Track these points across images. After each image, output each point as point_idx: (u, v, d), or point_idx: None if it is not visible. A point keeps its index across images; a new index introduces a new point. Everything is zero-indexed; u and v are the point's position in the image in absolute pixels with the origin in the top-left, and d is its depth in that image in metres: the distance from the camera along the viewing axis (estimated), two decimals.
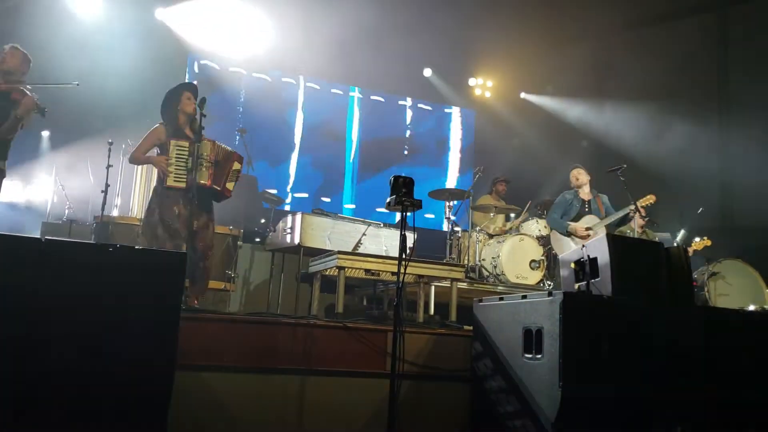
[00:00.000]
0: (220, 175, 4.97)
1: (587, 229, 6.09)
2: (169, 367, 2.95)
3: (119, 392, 2.80)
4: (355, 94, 10.91)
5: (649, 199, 6.16)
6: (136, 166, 6.35)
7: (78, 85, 4.95)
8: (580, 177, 6.45)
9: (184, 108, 4.98)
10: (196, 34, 9.41)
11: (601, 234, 6.01)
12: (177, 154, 4.83)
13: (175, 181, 4.79)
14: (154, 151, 5.04)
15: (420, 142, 11.34)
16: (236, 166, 5.13)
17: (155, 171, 5.09)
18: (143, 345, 2.88)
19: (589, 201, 6.36)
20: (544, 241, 7.11)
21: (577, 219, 6.24)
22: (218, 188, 4.94)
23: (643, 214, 6.13)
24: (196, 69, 9.60)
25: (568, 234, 6.16)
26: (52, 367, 2.69)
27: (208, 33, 9.41)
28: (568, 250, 6.20)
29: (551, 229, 6.60)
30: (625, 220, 6.19)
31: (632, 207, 6.05)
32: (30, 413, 2.64)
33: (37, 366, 2.68)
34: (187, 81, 8.63)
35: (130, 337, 2.86)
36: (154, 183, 5.12)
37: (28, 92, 4.65)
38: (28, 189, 7.94)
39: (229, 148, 5.15)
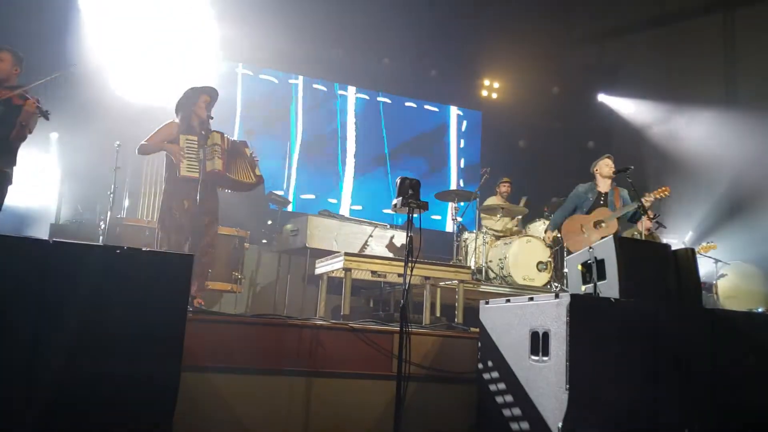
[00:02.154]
0: (233, 164, 5.06)
1: (596, 223, 5.74)
2: (175, 368, 2.95)
3: (125, 393, 2.80)
4: (358, 95, 10.87)
5: (664, 190, 5.78)
6: (144, 168, 6.38)
7: (75, 66, 4.66)
8: (611, 167, 5.99)
9: (198, 111, 5.05)
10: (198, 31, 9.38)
11: (611, 227, 5.72)
12: (187, 146, 4.91)
13: (187, 171, 4.85)
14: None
15: (426, 144, 11.31)
16: (248, 151, 5.22)
17: (163, 171, 5.12)
18: (149, 346, 2.89)
19: (606, 193, 5.99)
20: (551, 242, 7.04)
21: (590, 212, 5.93)
22: (232, 176, 5.01)
23: (650, 210, 5.75)
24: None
25: (580, 228, 5.80)
26: (58, 368, 2.70)
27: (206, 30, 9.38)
28: (581, 245, 5.61)
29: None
30: (637, 214, 5.83)
31: (646, 198, 5.73)
32: (35, 414, 2.65)
33: (43, 367, 2.69)
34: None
35: (137, 338, 2.86)
36: (162, 185, 5.13)
37: (28, 96, 4.41)
38: (36, 191, 7.96)
39: (235, 138, 5.28)
